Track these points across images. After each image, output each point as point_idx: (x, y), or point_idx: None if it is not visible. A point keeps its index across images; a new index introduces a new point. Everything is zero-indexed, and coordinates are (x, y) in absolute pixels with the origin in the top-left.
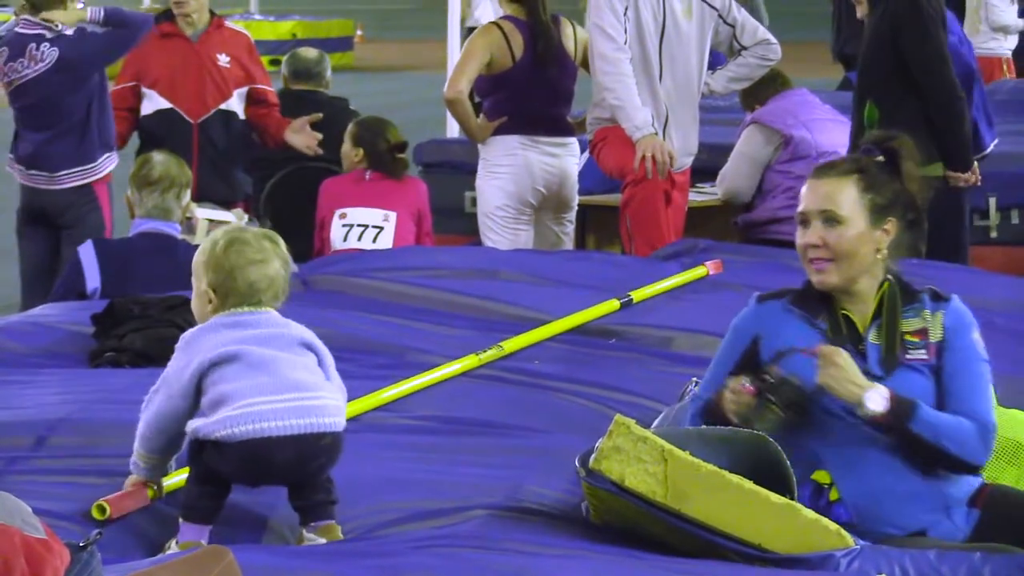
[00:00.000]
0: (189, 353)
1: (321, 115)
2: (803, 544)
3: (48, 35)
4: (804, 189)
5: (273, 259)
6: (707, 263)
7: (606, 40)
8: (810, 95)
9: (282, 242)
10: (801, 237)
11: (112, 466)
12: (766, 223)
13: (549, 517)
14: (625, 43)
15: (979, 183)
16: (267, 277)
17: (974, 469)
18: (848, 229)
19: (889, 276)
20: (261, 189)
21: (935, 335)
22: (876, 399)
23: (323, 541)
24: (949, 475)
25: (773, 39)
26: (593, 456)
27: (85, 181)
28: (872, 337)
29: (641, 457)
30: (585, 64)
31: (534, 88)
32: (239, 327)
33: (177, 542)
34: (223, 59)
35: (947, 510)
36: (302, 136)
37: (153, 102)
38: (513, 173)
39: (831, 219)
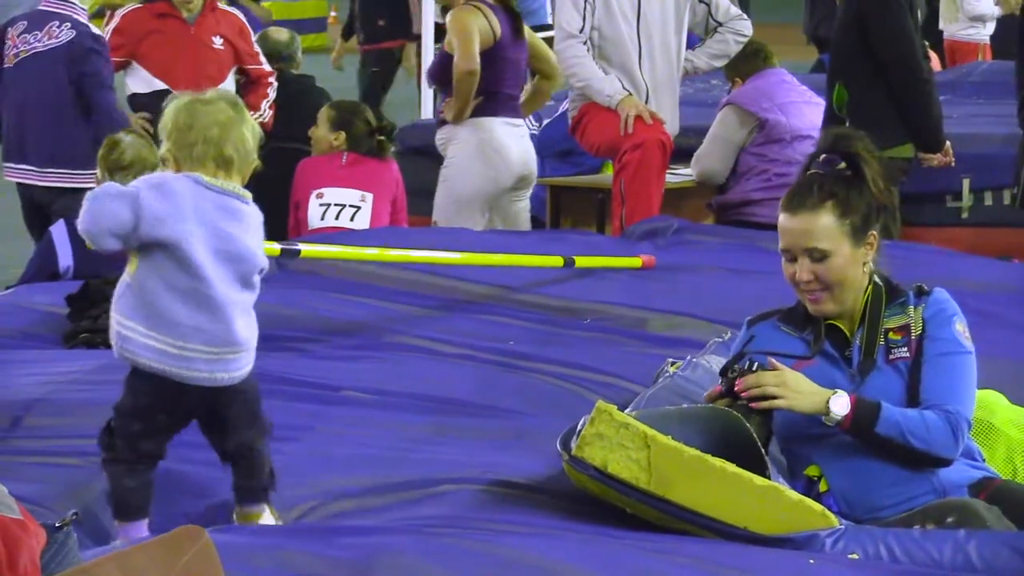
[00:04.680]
0: (173, 205)
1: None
2: (787, 525)
3: (70, 16)
4: (782, 222)
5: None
6: (642, 256)
7: (558, 31)
8: (787, 75)
9: (245, 110)
10: (790, 269)
11: (87, 447)
12: (739, 205)
13: (522, 493)
14: (583, 30)
15: (952, 164)
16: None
17: (945, 463)
18: (836, 259)
19: (875, 279)
20: None
21: (916, 329)
22: (839, 404)
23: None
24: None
25: (744, 15)
26: (575, 442)
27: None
28: (859, 341)
29: (624, 443)
30: None
31: (511, 69)
32: (228, 215)
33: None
34: (217, 41)
35: (943, 494)
36: None
37: (145, 81)
38: (496, 156)
39: (817, 254)
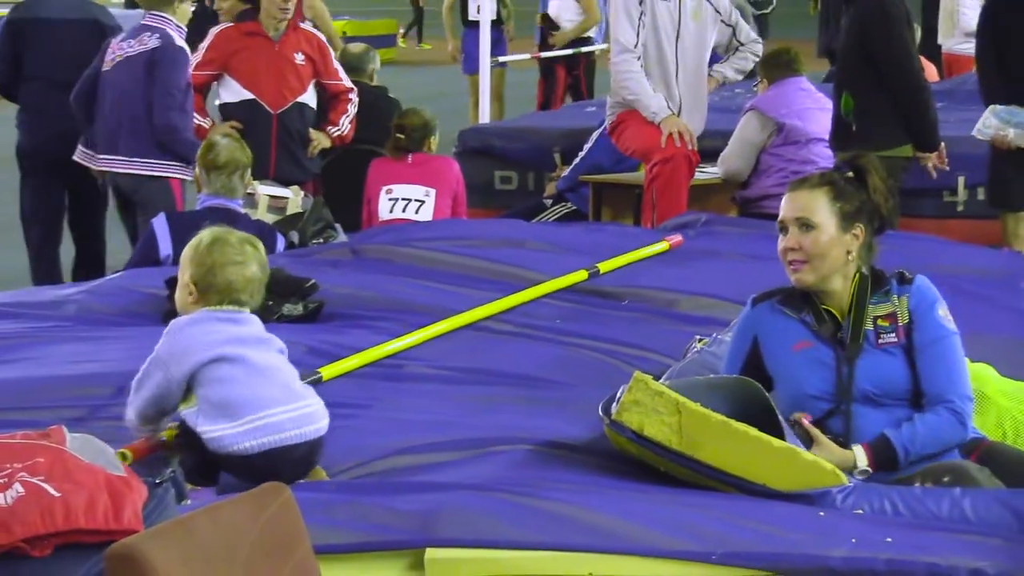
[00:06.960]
0: (185, 341)
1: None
2: (803, 483)
3: (161, 28)
4: (783, 201)
5: (251, 262)
6: (668, 238)
7: (614, 44)
8: (806, 83)
9: (261, 247)
10: (781, 242)
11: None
12: (760, 199)
13: (567, 453)
14: (637, 45)
15: (946, 165)
16: (244, 277)
17: (962, 445)
18: (821, 234)
19: (862, 270)
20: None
21: (903, 317)
22: (861, 455)
23: None
24: None
25: (759, 39)
26: (615, 408)
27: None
28: (848, 326)
29: (658, 409)
30: None
31: None
32: (231, 323)
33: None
34: (299, 58)
35: (937, 456)
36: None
37: (235, 92)
38: None
39: (805, 225)
